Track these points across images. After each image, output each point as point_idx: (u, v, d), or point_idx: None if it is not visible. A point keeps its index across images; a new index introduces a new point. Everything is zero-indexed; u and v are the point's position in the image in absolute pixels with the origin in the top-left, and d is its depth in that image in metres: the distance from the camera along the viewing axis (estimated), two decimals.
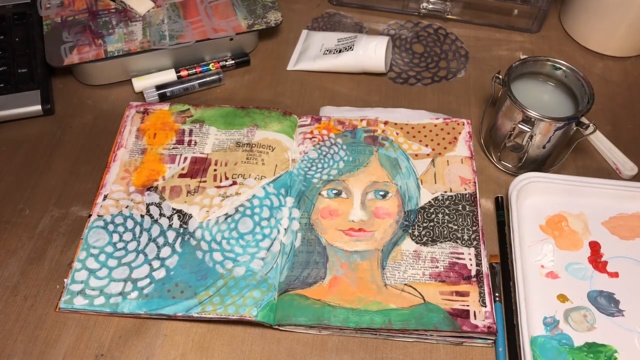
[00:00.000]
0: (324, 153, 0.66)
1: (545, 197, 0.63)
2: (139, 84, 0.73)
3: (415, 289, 0.56)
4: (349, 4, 0.86)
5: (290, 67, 0.78)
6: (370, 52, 0.74)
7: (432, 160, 0.66)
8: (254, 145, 0.67)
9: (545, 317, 0.55)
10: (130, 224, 0.61)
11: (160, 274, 0.57)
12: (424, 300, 0.55)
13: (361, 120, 0.69)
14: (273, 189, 0.63)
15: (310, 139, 0.68)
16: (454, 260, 0.58)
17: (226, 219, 0.61)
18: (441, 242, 0.59)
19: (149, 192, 0.63)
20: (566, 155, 0.66)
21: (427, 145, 0.67)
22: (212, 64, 0.76)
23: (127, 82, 0.75)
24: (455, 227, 0.60)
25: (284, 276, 0.57)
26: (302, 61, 0.78)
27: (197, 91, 0.75)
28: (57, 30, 0.73)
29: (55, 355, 0.53)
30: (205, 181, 0.64)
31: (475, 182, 0.64)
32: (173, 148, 0.67)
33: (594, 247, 0.60)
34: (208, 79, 0.75)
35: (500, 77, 0.64)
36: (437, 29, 0.83)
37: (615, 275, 0.58)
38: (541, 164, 0.66)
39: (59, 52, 0.71)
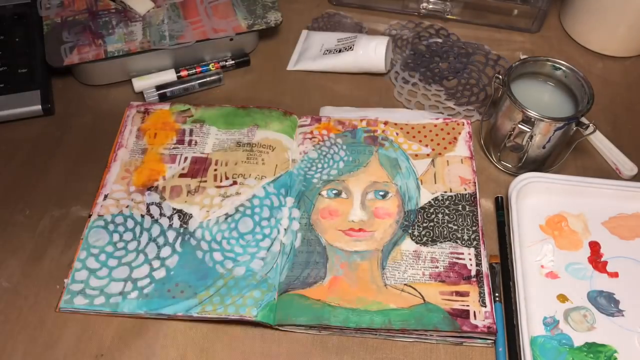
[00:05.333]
0: (324, 153, 0.66)
1: (545, 197, 0.63)
2: (139, 84, 0.73)
3: (415, 289, 0.56)
4: (349, 4, 0.86)
5: (290, 67, 0.78)
6: (370, 52, 0.74)
7: (432, 161, 0.66)
8: (254, 145, 0.67)
9: (545, 317, 0.55)
10: (130, 223, 0.61)
11: (160, 273, 0.57)
12: (424, 300, 0.55)
13: (361, 120, 0.69)
14: (273, 189, 0.63)
15: (310, 139, 0.68)
16: (454, 260, 0.58)
17: (226, 218, 0.61)
18: (441, 242, 0.59)
19: (149, 191, 0.63)
20: (566, 155, 0.66)
21: (427, 146, 0.67)
22: (212, 64, 0.76)
23: (127, 82, 0.75)
24: (455, 227, 0.60)
25: (284, 276, 0.57)
26: (302, 61, 0.78)
27: (197, 91, 0.75)
28: (57, 31, 0.73)
29: (56, 355, 0.53)
30: (205, 181, 0.64)
31: (475, 182, 0.64)
32: (173, 148, 0.67)
33: (594, 247, 0.60)
34: (208, 79, 0.75)
35: (500, 77, 0.64)
36: (439, 29, 0.83)
37: (615, 275, 0.58)
38: (541, 164, 0.66)
39: (59, 52, 0.71)
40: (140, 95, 0.74)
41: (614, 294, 0.57)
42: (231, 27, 0.74)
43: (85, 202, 0.64)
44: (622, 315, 0.56)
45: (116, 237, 0.60)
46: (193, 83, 0.74)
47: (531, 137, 0.62)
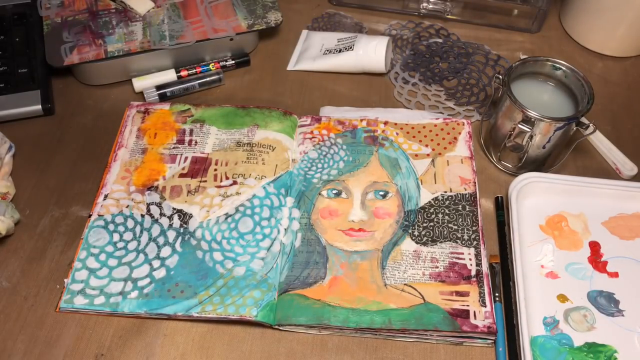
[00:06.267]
0: (324, 153, 0.66)
1: (545, 197, 0.63)
2: (139, 84, 0.73)
3: (415, 289, 0.56)
4: (349, 4, 0.86)
5: (290, 67, 0.78)
6: (370, 52, 0.74)
7: (432, 160, 0.66)
8: (254, 145, 0.67)
9: (545, 317, 0.55)
10: (130, 223, 0.61)
11: (160, 273, 0.57)
12: (424, 300, 0.55)
13: (361, 120, 0.69)
14: (273, 189, 0.63)
15: (311, 139, 0.68)
16: (454, 260, 0.58)
17: (226, 218, 0.61)
18: (441, 242, 0.59)
19: (149, 191, 0.63)
20: (566, 155, 0.66)
21: (427, 146, 0.67)
22: (212, 64, 0.76)
23: (127, 82, 0.75)
24: (455, 227, 0.60)
25: (284, 276, 0.57)
26: (302, 61, 0.78)
27: (197, 91, 0.75)
28: (57, 30, 0.73)
29: (56, 355, 0.53)
30: (205, 181, 0.64)
31: (475, 182, 0.64)
32: (173, 148, 0.67)
33: (594, 247, 0.60)
34: (208, 79, 0.75)
35: (500, 77, 0.64)
36: (439, 29, 0.83)
37: (615, 275, 0.58)
38: (541, 164, 0.66)
39: (59, 52, 0.71)
40: (141, 95, 0.74)
41: (614, 294, 0.57)
42: (231, 27, 0.74)
43: (85, 202, 0.64)
44: (622, 315, 0.56)
45: (116, 237, 0.60)
46: (193, 83, 0.74)
47: (531, 137, 0.62)
